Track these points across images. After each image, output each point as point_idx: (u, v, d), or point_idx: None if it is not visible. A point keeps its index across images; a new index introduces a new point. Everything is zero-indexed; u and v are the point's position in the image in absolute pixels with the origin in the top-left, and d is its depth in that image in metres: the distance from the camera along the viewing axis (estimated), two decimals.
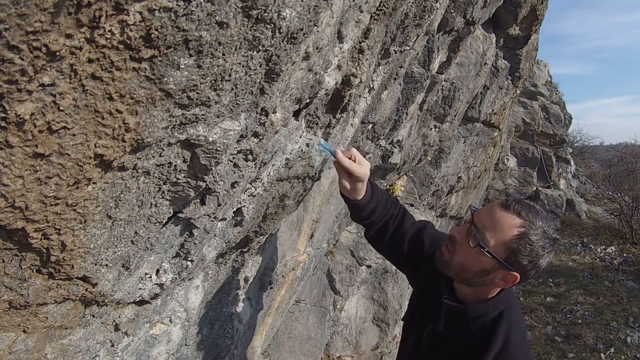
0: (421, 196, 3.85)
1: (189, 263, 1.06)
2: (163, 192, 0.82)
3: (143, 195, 0.78)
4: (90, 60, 0.54)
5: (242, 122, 0.83)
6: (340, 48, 1.09)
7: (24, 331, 0.79)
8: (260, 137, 0.93)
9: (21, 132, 0.53)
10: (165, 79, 0.62)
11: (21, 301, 0.74)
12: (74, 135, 0.58)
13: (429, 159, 3.70)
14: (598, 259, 7.94)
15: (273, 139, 1.05)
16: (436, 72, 2.77)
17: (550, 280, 6.97)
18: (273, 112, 0.94)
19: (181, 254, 1.02)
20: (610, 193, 11.74)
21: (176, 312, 1.26)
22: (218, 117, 0.77)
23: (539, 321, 5.77)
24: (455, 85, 3.04)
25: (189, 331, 1.39)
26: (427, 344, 1.21)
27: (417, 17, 1.53)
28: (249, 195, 1.17)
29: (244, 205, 1.18)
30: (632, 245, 8.28)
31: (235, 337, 1.71)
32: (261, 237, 1.47)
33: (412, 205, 3.87)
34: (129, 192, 0.74)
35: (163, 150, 0.73)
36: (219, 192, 0.92)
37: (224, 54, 0.67)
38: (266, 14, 0.69)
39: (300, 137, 1.22)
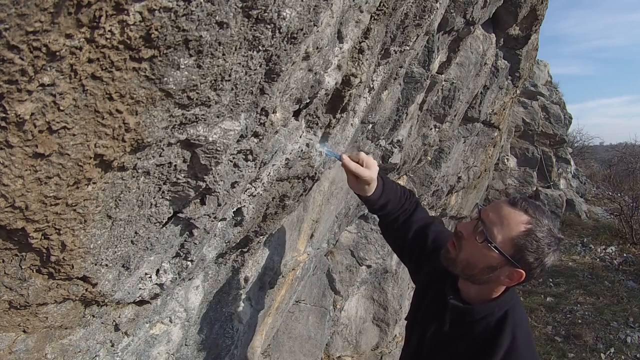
0: (421, 196, 3.85)
1: (189, 263, 1.06)
2: (163, 192, 0.82)
3: (143, 195, 0.78)
4: (90, 60, 0.54)
5: (242, 122, 0.83)
6: (340, 48, 1.09)
7: (24, 331, 0.79)
8: (260, 137, 0.93)
9: (21, 132, 0.53)
10: (165, 79, 0.62)
11: (21, 301, 0.74)
12: (74, 135, 0.58)
13: (429, 159, 3.70)
14: (598, 259, 7.94)
15: (273, 139, 1.05)
16: (436, 72, 2.77)
17: (550, 280, 6.97)
18: (273, 112, 0.94)
19: (181, 254, 1.02)
20: (610, 193, 11.74)
21: (176, 312, 1.26)
22: (218, 117, 0.77)
23: (539, 321, 5.77)
24: (455, 85, 3.04)
25: (189, 331, 1.39)
26: (431, 343, 1.21)
27: (417, 17, 1.53)
28: (249, 195, 1.17)
29: (244, 205, 1.18)
30: (632, 245, 8.28)
31: (235, 337, 1.71)
32: (261, 237, 1.47)
33: None
34: (129, 192, 0.74)
35: (163, 150, 0.73)
36: (219, 192, 0.92)
37: (224, 54, 0.67)
38: (266, 14, 0.69)
39: (300, 137, 1.22)
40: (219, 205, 0.97)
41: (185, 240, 1.00)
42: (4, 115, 0.50)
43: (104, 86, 0.57)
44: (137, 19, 0.53)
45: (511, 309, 1.10)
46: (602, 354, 5.01)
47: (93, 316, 0.92)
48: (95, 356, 0.98)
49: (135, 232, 0.83)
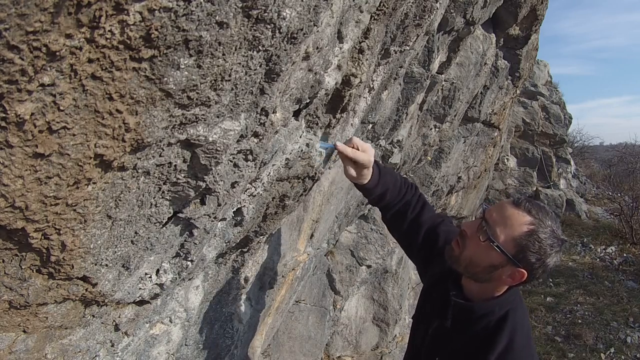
0: None
1: (189, 263, 1.06)
2: (163, 192, 0.82)
3: (143, 195, 0.78)
4: (90, 60, 0.54)
5: (242, 122, 0.83)
6: (340, 48, 1.09)
7: (24, 331, 0.79)
8: (260, 137, 0.93)
9: (21, 132, 0.53)
10: (165, 79, 0.62)
11: (21, 301, 0.74)
12: (74, 135, 0.58)
13: (429, 159, 3.70)
14: (598, 259, 7.94)
15: (273, 139, 1.05)
16: (436, 72, 2.77)
17: (550, 280, 6.97)
18: (273, 112, 0.94)
19: (181, 254, 1.02)
20: (610, 193, 11.73)
21: (176, 312, 1.26)
22: (218, 117, 0.77)
23: (539, 321, 5.77)
24: (455, 85, 3.04)
25: (189, 331, 1.39)
26: (433, 339, 1.22)
27: (417, 17, 1.53)
28: (249, 195, 1.17)
29: (244, 205, 1.18)
30: (632, 245, 8.28)
31: (235, 337, 1.71)
32: (261, 237, 1.47)
33: None
34: (129, 192, 0.74)
35: (163, 150, 0.73)
36: (219, 192, 0.92)
37: (224, 54, 0.67)
38: (266, 14, 0.69)
39: (300, 137, 1.22)
40: (219, 205, 0.97)
41: (185, 240, 1.00)
42: (4, 115, 0.50)
43: (104, 86, 0.57)
44: (137, 19, 0.53)
45: (513, 310, 1.11)
46: (602, 354, 5.01)
47: (93, 316, 0.92)
48: (95, 356, 0.98)
49: (135, 232, 0.83)
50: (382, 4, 1.17)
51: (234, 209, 1.17)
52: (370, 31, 1.19)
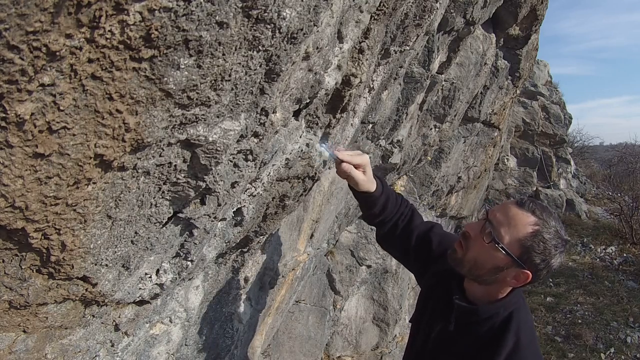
0: (421, 196, 3.85)
1: (189, 263, 1.06)
2: (163, 192, 0.82)
3: (143, 195, 0.78)
4: (90, 60, 0.54)
5: (242, 122, 0.83)
6: (340, 48, 1.09)
7: (24, 331, 0.79)
8: (260, 137, 0.93)
9: (21, 132, 0.53)
10: (165, 79, 0.62)
11: (21, 301, 0.74)
12: (74, 135, 0.58)
13: (429, 159, 3.70)
14: (598, 259, 7.93)
15: (273, 139, 1.05)
16: (436, 72, 2.77)
17: (550, 280, 6.96)
18: (273, 112, 0.94)
19: (181, 254, 1.02)
20: (610, 193, 11.72)
21: (176, 312, 1.26)
22: (218, 117, 0.77)
23: (539, 321, 5.77)
24: (455, 85, 3.04)
25: (189, 331, 1.39)
26: (436, 343, 1.21)
27: (417, 17, 1.53)
28: (249, 195, 1.17)
29: (244, 205, 1.18)
30: (632, 245, 8.27)
31: (235, 337, 1.71)
32: (261, 237, 1.47)
33: None
34: (129, 192, 0.74)
35: (163, 150, 0.73)
36: (219, 192, 0.92)
37: (224, 54, 0.67)
38: (266, 14, 0.69)
39: (300, 137, 1.22)
40: (219, 205, 0.97)
41: (185, 240, 1.00)
42: (4, 115, 0.50)
43: (104, 86, 0.57)
44: (137, 19, 0.53)
45: (516, 310, 1.10)
46: (602, 354, 5.01)
47: (93, 316, 0.92)
48: (95, 356, 0.98)
49: (135, 232, 0.83)
50: (382, 4, 1.17)
51: (234, 209, 1.17)
52: (370, 31, 1.19)
